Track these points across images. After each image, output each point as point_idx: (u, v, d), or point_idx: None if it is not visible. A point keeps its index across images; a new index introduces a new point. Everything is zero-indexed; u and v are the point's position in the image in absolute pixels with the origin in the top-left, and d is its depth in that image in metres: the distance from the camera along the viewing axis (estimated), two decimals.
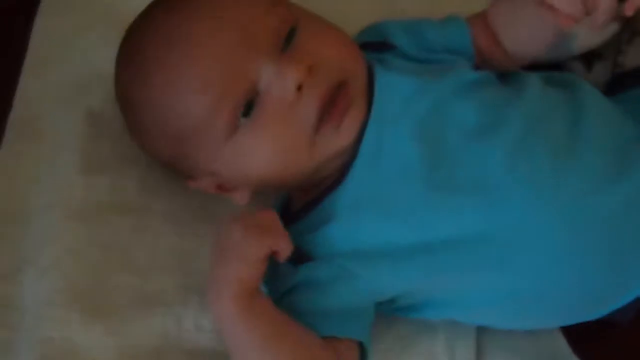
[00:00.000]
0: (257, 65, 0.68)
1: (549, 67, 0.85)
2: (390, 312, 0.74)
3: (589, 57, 0.86)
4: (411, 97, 0.72)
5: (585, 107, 0.73)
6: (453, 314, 0.74)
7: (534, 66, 0.85)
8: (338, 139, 0.70)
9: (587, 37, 0.84)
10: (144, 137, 0.75)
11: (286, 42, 0.69)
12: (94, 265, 0.76)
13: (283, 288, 0.72)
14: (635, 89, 0.80)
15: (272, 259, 0.69)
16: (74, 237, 0.77)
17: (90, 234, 0.77)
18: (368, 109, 0.72)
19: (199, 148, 0.71)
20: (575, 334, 0.76)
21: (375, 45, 0.77)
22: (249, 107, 0.69)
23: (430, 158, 0.70)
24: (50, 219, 0.78)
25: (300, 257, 0.71)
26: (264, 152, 0.70)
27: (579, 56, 0.85)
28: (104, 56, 0.77)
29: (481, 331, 0.76)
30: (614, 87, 0.82)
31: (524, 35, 0.77)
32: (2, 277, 0.77)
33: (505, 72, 0.77)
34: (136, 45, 0.73)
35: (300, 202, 0.75)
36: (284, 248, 0.67)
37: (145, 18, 0.73)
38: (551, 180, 0.69)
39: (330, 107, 0.69)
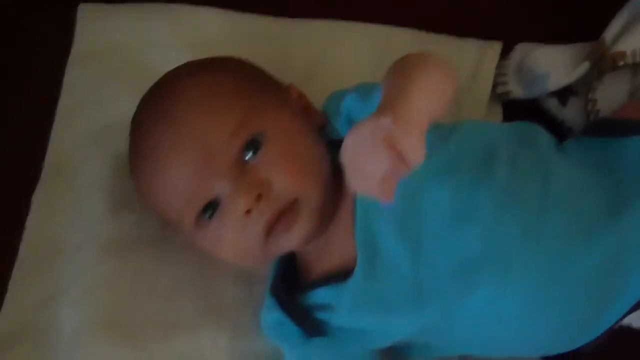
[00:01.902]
0: (216, 184, 0.75)
1: (525, 103, 0.94)
2: None
3: (564, 93, 0.93)
4: None
5: (552, 176, 0.76)
6: (436, 355, 0.81)
7: (510, 103, 0.94)
8: (287, 242, 0.76)
9: (560, 76, 0.91)
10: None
11: (251, 154, 0.75)
12: (123, 293, 0.83)
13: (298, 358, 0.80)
14: (609, 138, 0.82)
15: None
16: (105, 268, 0.84)
17: (119, 266, 0.84)
18: (352, 209, 0.76)
19: (182, 232, 0.80)
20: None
21: (340, 142, 0.79)
22: (212, 210, 0.76)
23: (414, 252, 0.74)
24: (84, 252, 0.85)
25: (312, 329, 0.79)
26: (224, 249, 0.77)
27: (554, 92, 0.92)
28: (127, 104, 0.83)
29: None
30: (592, 129, 0.87)
31: None
32: (41, 304, 0.85)
33: (472, 142, 0.78)
34: (131, 142, 0.81)
35: (306, 274, 0.81)
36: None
37: (136, 122, 0.81)
38: (520, 257, 0.73)
39: (277, 221, 0.75)
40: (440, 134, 0.78)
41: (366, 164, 0.63)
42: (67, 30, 0.96)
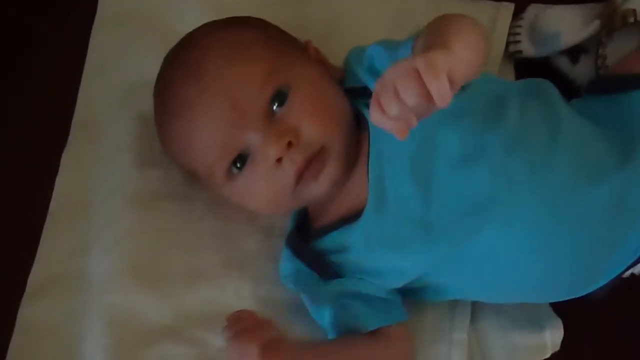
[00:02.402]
0: (247, 135, 0.78)
1: (537, 62, 0.96)
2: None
3: (575, 52, 0.94)
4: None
5: (562, 124, 0.78)
6: (450, 298, 0.84)
7: (521, 63, 0.96)
8: (316, 188, 0.79)
9: (572, 34, 0.93)
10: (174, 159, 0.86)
11: (278, 105, 0.78)
12: (149, 244, 0.87)
13: (318, 301, 0.83)
14: (614, 95, 0.84)
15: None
16: (132, 220, 0.87)
17: (145, 218, 0.87)
18: (367, 155, 0.79)
19: (210, 184, 0.83)
20: (557, 302, 0.85)
21: (360, 90, 0.83)
22: (242, 162, 0.79)
23: (424, 193, 0.77)
24: (111, 205, 0.89)
25: (329, 273, 0.82)
26: (254, 198, 0.81)
27: (565, 51, 0.94)
28: (151, 65, 0.85)
29: None
30: (598, 86, 0.89)
31: None
32: (73, 254, 0.89)
33: (484, 92, 0.80)
34: (158, 100, 0.84)
35: (318, 220, 0.84)
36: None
37: (163, 79, 0.83)
38: (528, 196, 0.75)
39: (307, 168, 0.78)
40: None
41: (394, 96, 0.65)
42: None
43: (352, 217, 0.81)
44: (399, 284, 0.82)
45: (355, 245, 0.80)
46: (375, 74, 0.81)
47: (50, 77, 0.98)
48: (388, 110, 0.65)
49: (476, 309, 0.87)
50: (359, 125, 0.83)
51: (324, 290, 0.82)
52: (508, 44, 0.97)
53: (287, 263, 0.85)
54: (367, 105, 0.79)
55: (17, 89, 0.98)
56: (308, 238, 0.84)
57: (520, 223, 0.76)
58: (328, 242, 0.82)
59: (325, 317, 0.83)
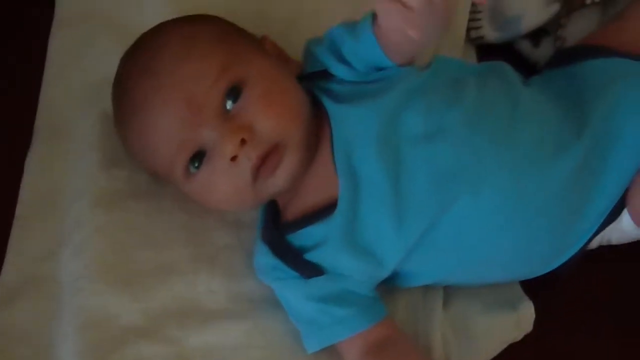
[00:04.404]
0: (202, 132, 0.77)
1: (499, 46, 0.97)
2: None
3: (536, 35, 0.95)
4: (364, 122, 0.79)
5: (520, 101, 0.81)
6: (422, 282, 0.85)
7: (483, 47, 0.97)
8: (275, 183, 0.79)
9: (533, 17, 0.94)
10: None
11: (232, 102, 0.78)
12: (118, 243, 0.86)
13: (296, 301, 0.82)
14: (568, 66, 0.87)
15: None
16: (100, 221, 0.86)
17: (113, 218, 0.87)
18: (329, 142, 0.80)
19: (172, 184, 0.83)
20: (526, 281, 0.86)
21: (319, 75, 0.84)
22: (200, 160, 0.78)
23: (393, 173, 0.78)
24: (79, 206, 0.88)
25: (309, 270, 0.81)
26: (213, 196, 0.81)
27: (527, 34, 0.95)
28: (113, 63, 0.84)
29: None
30: (554, 60, 0.91)
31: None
32: (43, 257, 0.88)
33: (444, 73, 0.83)
34: (115, 100, 0.84)
35: (289, 212, 0.84)
36: None
37: (119, 79, 0.83)
38: (492, 166, 0.77)
39: (263, 164, 0.78)
40: (413, 67, 0.82)
41: None
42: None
43: (326, 210, 0.80)
44: (380, 277, 0.82)
45: (332, 241, 0.80)
46: (336, 52, 0.82)
47: (11, 78, 0.97)
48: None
49: (448, 294, 0.88)
50: (318, 113, 0.83)
51: (303, 289, 0.82)
52: (469, 30, 0.97)
53: (263, 259, 0.84)
54: (326, 92, 0.82)
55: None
56: (283, 233, 0.84)
57: (489, 194, 0.77)
58: (304, 238, 0.82)
59: (304, 317, 0.83)
